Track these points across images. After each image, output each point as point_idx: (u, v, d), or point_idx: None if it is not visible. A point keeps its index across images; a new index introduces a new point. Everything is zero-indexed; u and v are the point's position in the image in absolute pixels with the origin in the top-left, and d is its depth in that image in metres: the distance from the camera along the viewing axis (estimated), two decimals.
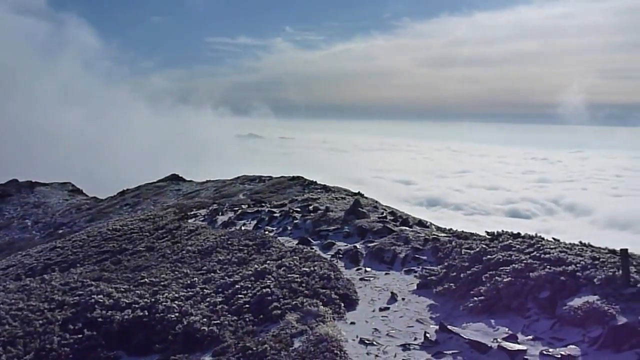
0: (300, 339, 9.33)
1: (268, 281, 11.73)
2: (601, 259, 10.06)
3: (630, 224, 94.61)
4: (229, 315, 10.62)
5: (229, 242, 15.87)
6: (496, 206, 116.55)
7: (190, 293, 11.92)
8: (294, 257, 13.61)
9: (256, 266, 12.81)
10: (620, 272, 9.18)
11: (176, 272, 13.82)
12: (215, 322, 10.34)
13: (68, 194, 50.53)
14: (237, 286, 11.82)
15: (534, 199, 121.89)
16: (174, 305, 11.00)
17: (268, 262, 13.25)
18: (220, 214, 23.05)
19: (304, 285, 11.55)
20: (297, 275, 11.99)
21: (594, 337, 8.19)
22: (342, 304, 10.96)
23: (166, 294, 11.68)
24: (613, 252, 10.78)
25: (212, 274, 13.27)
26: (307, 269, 12.40)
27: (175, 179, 46.39)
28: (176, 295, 11.69)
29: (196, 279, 12.98)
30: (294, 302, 10.68)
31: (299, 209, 21.35)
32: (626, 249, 9.20)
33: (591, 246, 11.70)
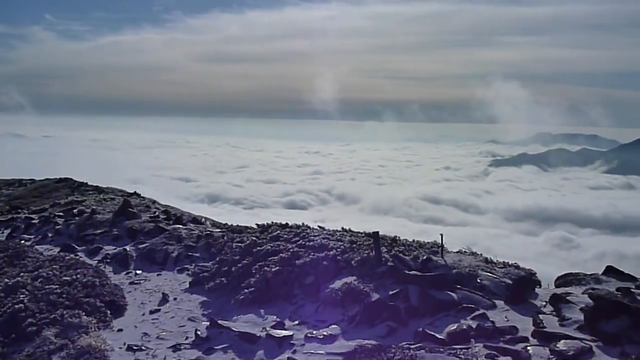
0: (59, 355, 8.57)
1: (22, 296, 10.51)
2: (358, 242, 10.90)
3: (391, 209, 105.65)
4: None
5: None
6: (274, 199, 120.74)
7: None
8: (54, 266, 12.41)
9: (7, 280, 11.40)
10: (373, 252, 10.02)
11: None
12: None
13: None
14: None
15: (309, 190, 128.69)
16: None
17: (22, 274, 11.88)
18: None
19: (64, 296, 10.58)
20: (57, 286, 10.95)
21: (352, 315, 8.83)
22: (109, 312, 10.32)
23: None
24: (369, 235, 11.74)
25: None
26: (68, 278, 11.39)
27: None
28: None
29: None
30: (52, 316, 9.72)
31: (61, 214, 19.63)
32: (377, 232, 10.08)
33: (351, 231, 12.63)
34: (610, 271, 10.63)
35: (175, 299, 11.25)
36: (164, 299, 11.20)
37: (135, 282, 12.60)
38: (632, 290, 8.92)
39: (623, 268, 11.12)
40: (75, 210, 19.72)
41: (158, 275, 13.12)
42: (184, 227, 16.43)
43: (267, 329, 8.78)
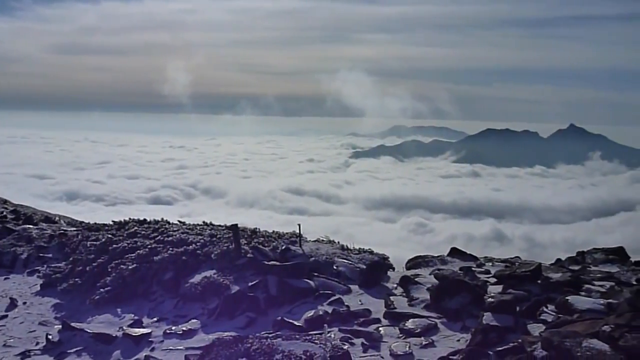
0: None
1: None
2: (218, 236, 10.98)
3: (257, 201, 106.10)
4: None
5: None
6: (138, 195, 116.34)
7: None
8: None
9: None
10: (233, 245, 10.17)
11: None
12: None
13: None
14: None
15: (174, 185, 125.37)
16: None
17: None
18: None
19: None
20: None
21: (212, 309, 8.94)
22: None
23: None
24: (229, 228, 11.84)
25: None
26: None
27: None
28: None
29: None
30: None
31: None
32: (236, 224, 10.23)
33: (212, 224, 12.65)
34: (454, 252, 11.66)
35: (24, 303, 10.67)
36: (12, 304, 10.60)
37: None
38: (473, 269, 9.88)
39: (470, 249, 12.23)
40: None
41: (5, 279, 12.33)
42: (35, 226, 15.50)
43: (124, 328, 8.64)
